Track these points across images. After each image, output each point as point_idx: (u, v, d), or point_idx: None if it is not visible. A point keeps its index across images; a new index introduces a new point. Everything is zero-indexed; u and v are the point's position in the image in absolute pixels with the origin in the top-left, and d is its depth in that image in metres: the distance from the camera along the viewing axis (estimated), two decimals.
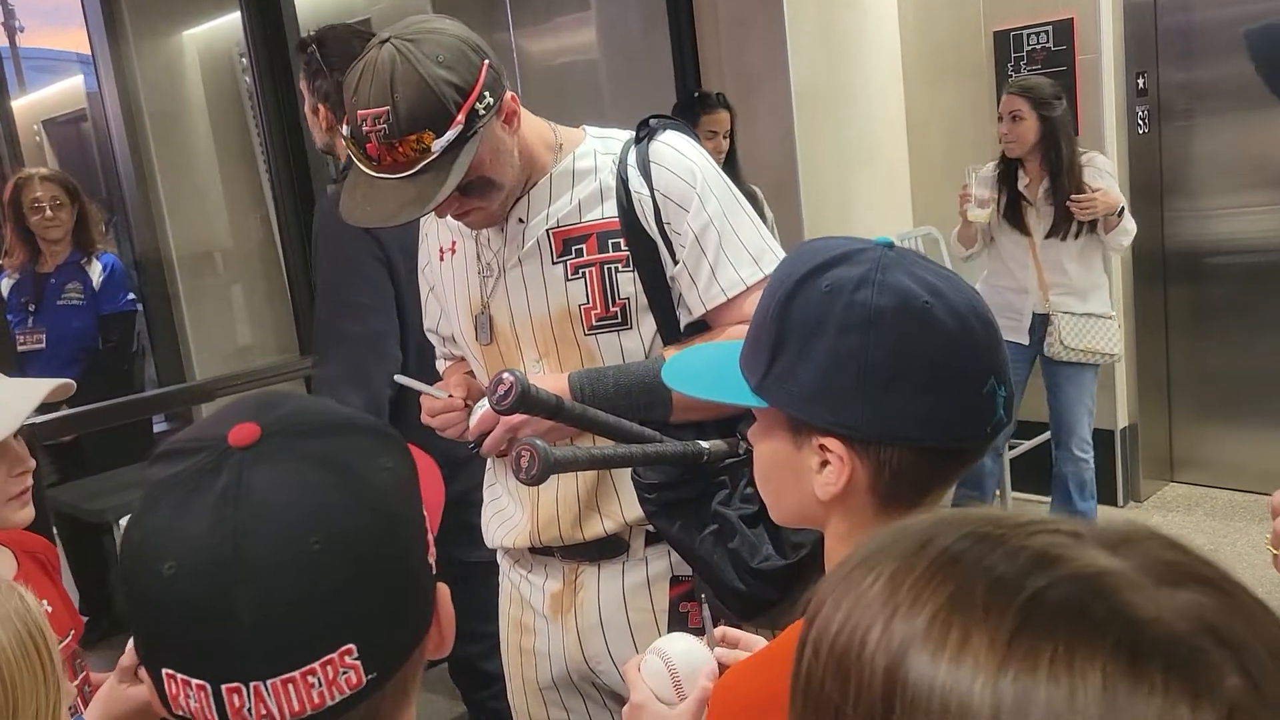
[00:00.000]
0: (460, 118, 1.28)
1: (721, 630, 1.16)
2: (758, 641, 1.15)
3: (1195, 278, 3.89)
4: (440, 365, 1.72)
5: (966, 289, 0.88)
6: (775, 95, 3.58)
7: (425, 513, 0.72)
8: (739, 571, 1.31)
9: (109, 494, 3.23)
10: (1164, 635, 0.43)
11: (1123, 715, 0.41)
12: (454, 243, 1.55)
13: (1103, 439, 3.85)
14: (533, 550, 1.55)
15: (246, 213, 4.80)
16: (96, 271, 3.53)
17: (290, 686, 0.62)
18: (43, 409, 2.72)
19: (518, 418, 1.33)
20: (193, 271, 4.56)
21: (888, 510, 0.89)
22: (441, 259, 1.57)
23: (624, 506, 1.47)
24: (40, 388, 1.42)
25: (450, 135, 1.28)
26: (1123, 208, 3.22)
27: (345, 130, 1.32)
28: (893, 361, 0.84)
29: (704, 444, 1.34)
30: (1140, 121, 3.76)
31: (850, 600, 0.50)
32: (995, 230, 3.40)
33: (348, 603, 0.63)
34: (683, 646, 1.09)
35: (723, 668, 1.10)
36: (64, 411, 2.79)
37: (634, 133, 1.49)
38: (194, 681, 0.63)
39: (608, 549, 1.50)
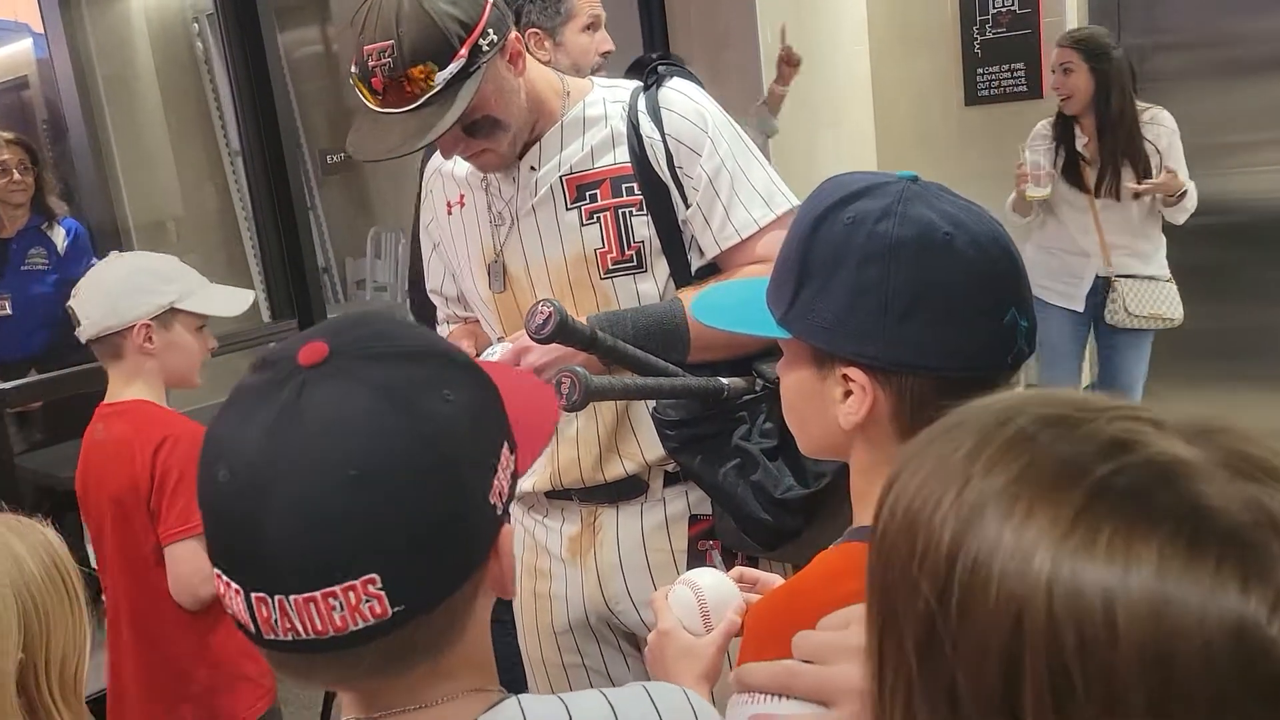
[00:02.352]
0: (463, 52, 1.30)
1: (739, 570, 1.17)
2: (775, 580, 1.16)
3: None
4: (442, 330, 1.72)
5: (989, 220, 0.89)
6: (744, 58, 3.58)
7: (508, 446, 0.71)
8: (762, 503, 1.34)
9: (75, 459, 3.17)
10: (1225, 524, 0.44)
11: (1172, 595, 0.43)
12: (462, 196, 1.56)
13: None
14: (549, 495, 1.56)
15: (203, 180, 4.72)
16: (60, 236, 3.45)
17: (312, 605, 0.62)
18: (9, 375, 2.68)
19: (554, 348, 1.34)
20: (150, 239, 4.48)
21: (910, 439, 0.91)
22: (450, 212, 1.58)
23: (643, 447, 1.49)
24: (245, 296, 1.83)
25: (453, 68, 1.30)
26: (1185, 190, 3.04)
27: (353, 70, 1.33)
28: (912, 291, 0.85)
29: (724, 380, 1.38)
30: None
31: (928, 467, 0.52)
32: (1053, 191, 3.15)
33: (376, 533, 0.63)
34: (712, 579, 1.09)
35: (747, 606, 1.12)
36: (32, 377, 2.75)
37: (641, 81, 1.52)
38: (233, 584, 0.65)
39: (627, 490, 1.52)
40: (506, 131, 1.41)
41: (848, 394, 0.89)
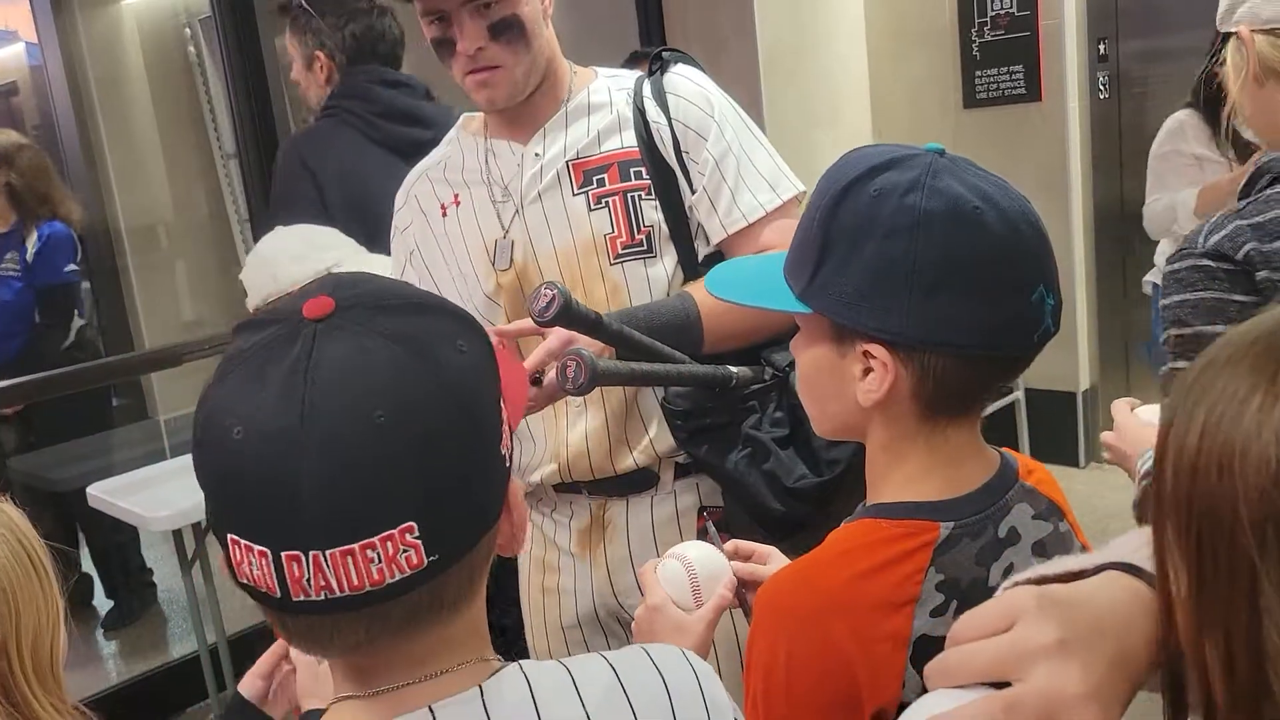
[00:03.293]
0: None
1: (733, 544, 1.14)
2: (770, 551, 1.14)
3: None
4: None
5: (1018, 195, 0.87)
6: (742, 57, 3.56)
7: (505, 406, 0.70)
8: (775, 492, 1.32)
9: (70, 463, 3.15)
10: None
11: None
12: (456, 196, 1.53)
13: (1064, 401, 3.91)
14: (558, 488, 1.52)
15: (194, 183, 4.70)
16: (32, 241, 3.39)
17: (349, 559, 0.60)
18: None
19: (560, 334, 1.30)
20: (141, 242, 4.45)
21: (930, 418, 0.89)
22: (444, 214, 1.54)
23: (654, 439, 1.46)
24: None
25: None
26: None
27: None
28: (939, 266, 0.82)
29: (733, 369, 1.36)
30: (1101, 87, 3.81)
31: (1212, 400, 0.54)
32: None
33: (410, 479, 0.62)
34: (702, 552, 1.08)
35: (741, 582, 1.10)
36: (8, 381, 2.72)
37: (644, 71, 1.51)
38: (256, 548, 0.62)
39: (637, 482, 1.49)
40: (526, 53, 1.40)
41: (867, 371, 0.87)
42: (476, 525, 0.66)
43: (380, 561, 0.61)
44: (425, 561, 0.62)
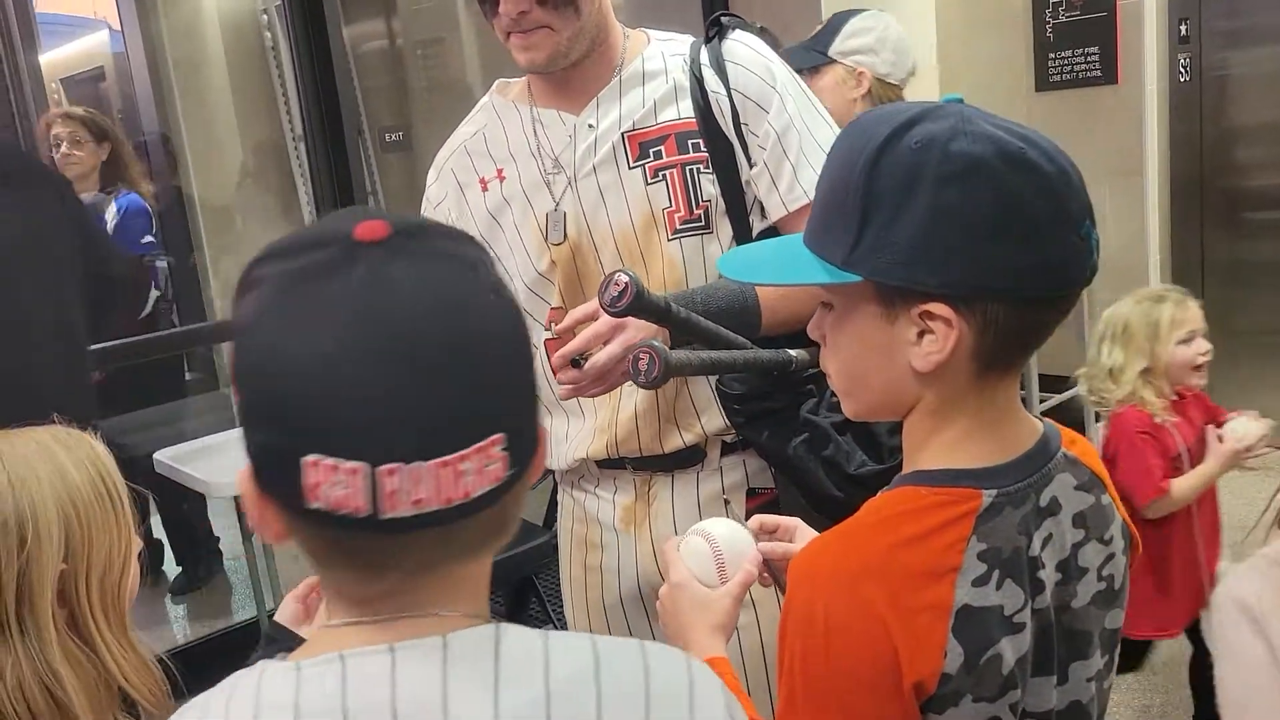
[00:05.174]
0: None
1: (758, 519, 1.12)
2: (796, 524, 1.12)
3: (1234, 230, 3.83)
4: None
5: (1045, 136, 0.85)
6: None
7: None
8: (835, 480, 1.29)
9: (143, 430, 3.25)
10: None
11: None
12: (500, 170, 1.47)
13: None
14: (601, 464, 1.50)
15: (267, 165, 4.80)
16: (111, 212, 3.49)
17: (445, 470, 0.61)
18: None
19: (610, 320, 1.26)
20: (216, 221, 4.55)
21: (985, 375, 0.86)
22: (485, 189, 1.48)
23: (703, 419, 1.43)
24: None
25: None
26: None
27: None
28: (998, 210, 0.80)
29: (791, 352, 1.32)
30: (1182, 70, 3.69)
31: None
32: None
33: (496, 392, 0.64)
34: (726, 529, 1.05)
35: (767, 560, 1.08)
36: (117, 341, 2.81)
37: (700, 36, 1.45)
38: (346, 465, 0.60)
39: (684, 459, 1.46)
40: (575, 18, 1.34)
41: (922, 334, 0.83)
42: (536, 441, 0.68)
43: (471, 474, 0.62)
44: (507, 474, 0.64)
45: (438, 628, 0.66)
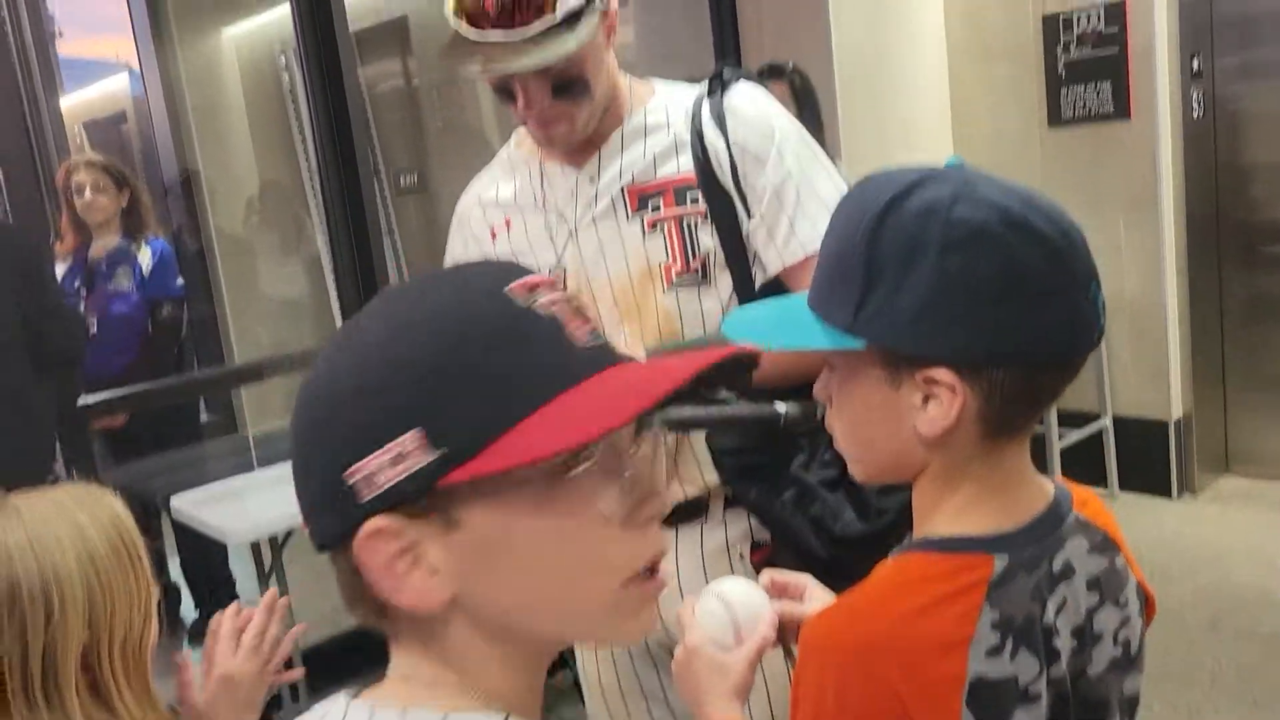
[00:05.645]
0: None
1: (769, 575, 1.11)
2: (806, 580, 1.10)
3: (1252, 265, 3.80)
4: None
5: (1046, 198, 0.85)
6: (818, 78, 3.52)
7: None
8: (820, 538, 1.28)
9: (160, 474, 3.26)
10: None
11: None
12: (508, 220, 1.50)
13: (1156, 430, 3.78)
14: None
15: (284, 206, 4.84)
16: (146, 257, 3.54)
17: None
18: (93, 388, 2.75)
19: None
20: (234, 262, 4.59)
21: (993, 440, 0.85)
22: (494, 237, 1.51)
23: (704, 471, 1.43)
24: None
25: (575, 3, 1.26)
26: None
27: None
28: (1003, 275, 0.80)
29: (780, 406, 1.29)
30: (1196, 105, 3.68)
31: None
32: None
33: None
34: (742, 589, 1.04)
35: (782, 619, 1.06)
36: (113, 392, 2.81)
37: (705, 85, 1.45)
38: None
39: (687, 512, 1.45)
40: (590, 101, 1.36)
41: (927, 399, 0.83)
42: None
43: None
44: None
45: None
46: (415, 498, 0.59)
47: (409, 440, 0.58)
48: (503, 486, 0.59)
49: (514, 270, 0.64)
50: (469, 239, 1.55)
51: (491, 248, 1.51)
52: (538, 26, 1.25)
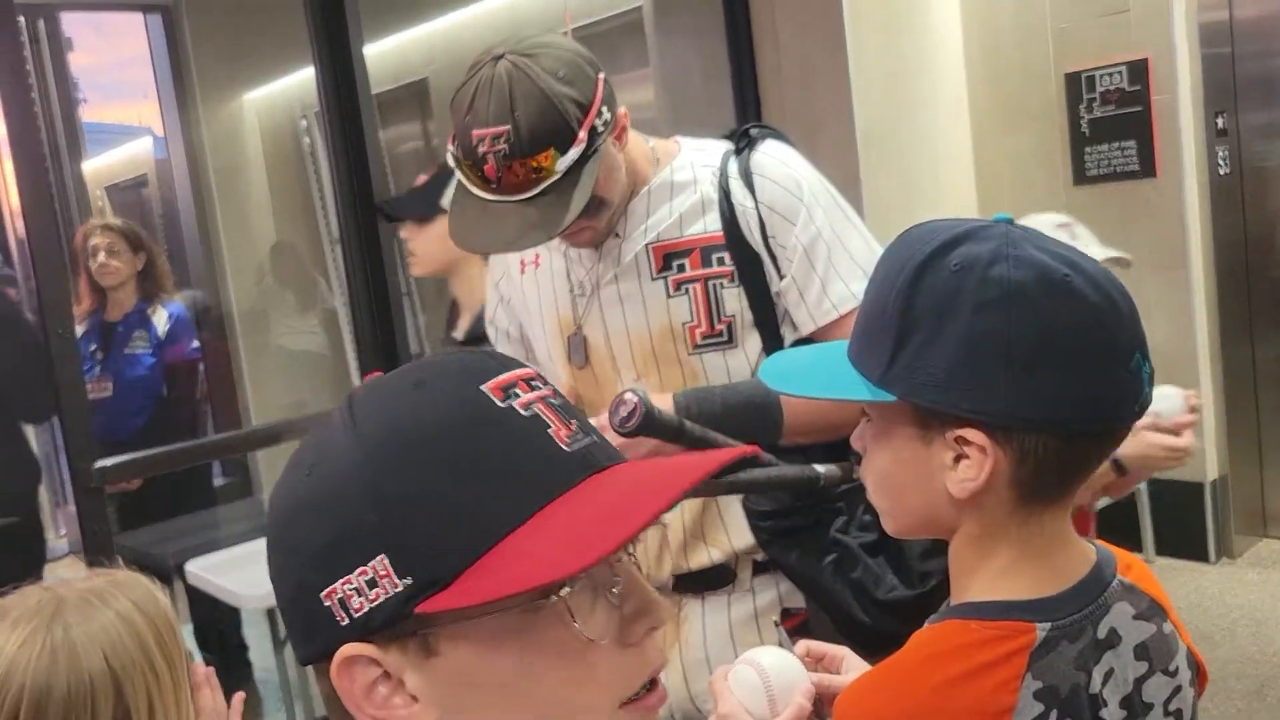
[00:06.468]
0: (582, 135, 1.23)
1: (804, 644, 1.06)
2: (844, 653, 1.06)
3: None
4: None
5: (1095, 262, 0.82)
6: (839, 138, 3.53)
7: None
8: (863, 603, 1.25)
9: (174, 538, 3.23)
10: None
11: None
12: (537, 256, 1.49)
13: (1192, 492, 3.68)
14: None
15: (304, 268, 4.86)
16: (162, 320, 3.55)
17: None
18: (109, 451, 2.73)
19: (641, 445, 1.21)
20: (251, 323, 4.60)
21: (1026, 505, 0.82)
22: (523, 271, 1.51)
23: (731, 535, 1.38)
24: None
25: (573, 155, 1.23)
26: None
27: (455, 152, 1.26)
28: (1037, 338, 0.77)
29: (819, 468, 1.26)
30: (1221, 162, 3.65)
31: None
32: None
33: None
34: (776, 658, 1.00)
35: (818, 690, 1.01)
36: (128, 455, 2.79)
37: (732, 143, 1.44)
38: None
39: (714, 579, 1.41)
40: (609, 209, 1.35)
41: (958, 459, 0.80)
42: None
43: None
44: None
45: None
46: (387, 625, 0.55)
47: (378, 566, 0.55)
48: (481, 613, 0.55)
49: (491, 364, 0.60)
50: (502, 304, 1.58)
51: (518, 281, 1.51)
52: (540, 187, 1.24)
